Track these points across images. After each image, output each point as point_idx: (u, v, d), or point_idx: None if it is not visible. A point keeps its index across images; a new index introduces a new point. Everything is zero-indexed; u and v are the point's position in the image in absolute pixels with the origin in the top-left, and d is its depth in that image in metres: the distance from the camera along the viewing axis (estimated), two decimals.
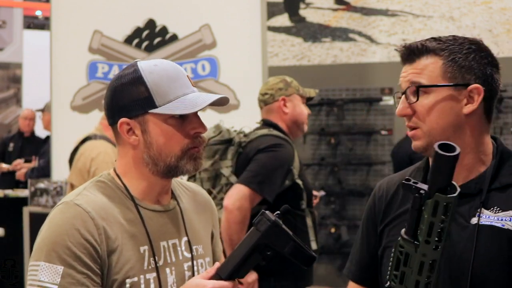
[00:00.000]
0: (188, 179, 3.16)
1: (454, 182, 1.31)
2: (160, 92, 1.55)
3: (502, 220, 1.52)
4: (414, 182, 1.33)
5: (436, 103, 1.56)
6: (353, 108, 6.67)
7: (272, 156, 3.12)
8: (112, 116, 1.60)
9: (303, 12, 7.10)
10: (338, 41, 6.95)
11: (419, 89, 1.56)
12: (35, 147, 7.43)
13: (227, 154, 3.17)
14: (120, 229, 1.53)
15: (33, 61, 10.36)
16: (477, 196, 1.56)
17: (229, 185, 3.13)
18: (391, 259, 1.38)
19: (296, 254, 1.49)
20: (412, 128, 1.59)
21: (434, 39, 1.61)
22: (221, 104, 1.63)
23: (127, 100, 1.56)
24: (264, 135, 3.21)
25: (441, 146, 1.30)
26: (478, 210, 1.54)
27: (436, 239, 1.31)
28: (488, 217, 1.53)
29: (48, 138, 7.61)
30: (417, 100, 1.56)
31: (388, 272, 1.39)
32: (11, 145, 7.88)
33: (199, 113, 1.63)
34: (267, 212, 1.50)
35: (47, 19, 9.47)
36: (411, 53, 1.60)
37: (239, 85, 5.27)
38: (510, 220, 1.52)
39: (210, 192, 3.11)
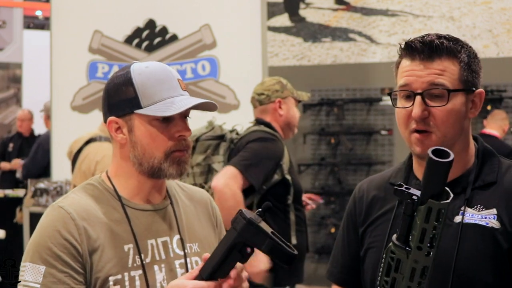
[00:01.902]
0: None
1: (447, 188, 1.30)
2: (146, 93, 1.58)
3: (485, 218, 1.53)
4: (406, 188, 1.31)
5: (454, 108, 1.54)
6: (353, 108, 6.67)
7: (262, 145, 3.19)
8: (105, 114, 1.65)
9: (303, 12, 7.11)
10: (338, 41, 6.95)
11: (450, 93, 1.53)
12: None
13: (219, 149, 3.24)
14: (103, 229, 1.57)
15: (33, 61, 10.36)
16: (461, 195, 1.56)
17: None
18: (382, 264, 1.37)
19: (274, 252, 1.47)
20: (422, 131, 1.55)
21: (446, 38, 1.57)
22: (208, 109, 1.65)
23: (116, 99, 1.61)
24: (255, 130, 3.29)
25: (434, 152, 1.28)
26: (462, 208, 1.54)
27: (428, 245, 1.30)
28: (472, 216, 1.53)
29: (37, 137, 7.64)
30: (447, 103, 1.53)
31: (379, 278, 1.38)
32: (11, 145, 7.89)
33: (193, 115, 1.65)
34: (244, 210, 1.49)
35: (47, 19, 9.48)
36: (433, 50, 1.54)
37: (239, 85, 5.27)
38: (493, 218, 1.52)
39: (202, 187, 3.17)
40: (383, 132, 6.47)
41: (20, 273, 1.55)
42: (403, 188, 1.31)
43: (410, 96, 1.55)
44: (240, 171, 3.10)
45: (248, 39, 5.33)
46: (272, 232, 1.47)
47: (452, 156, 1.27)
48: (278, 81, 3.40)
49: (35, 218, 5.85)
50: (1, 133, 9.99)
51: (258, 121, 3.37)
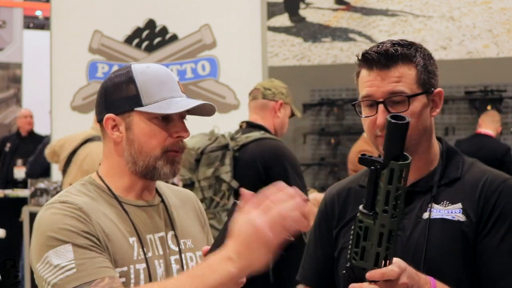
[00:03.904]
0: (186, 187, 3.15)
1: (405, 153, 1.36)
2: (148, 92, 1.59)
3: (452, 212, 1.60)
4: (369, 156, 1.37)
5: (416, 110, 1.61)
6: (353, 108, 6.67)
7: (290, 158, 3.23)
8: (100, 113, 1.64)
9: (303, 12, 7.11)
10: (338, 41, 6.95)
11: (410, 98, 1.59)
12: (32, 146, 7.40)
13: (225, 159, 3.19)
14: (107, 221, 1.55)
15: (33, 61, 10.36)
16: (428, 193, 1.64)
17: (231, 190, 3.15)
18: (351, 237, 1.40)
19: None
20: None
21: (400, 44, 1.64)
22: (207, 114, 1.66)
23: (115, 97, 1.61)
24: (263, 138, 3.24)
25: (392, 117, 1.35)
26: (429, 205, 1.62)
27: (393, 208, 1.35)
28: (439, 211, 1.61)
29: (36, 136, 7.66)
30: (408, 109, 1.59)
31: (349, 252, 1.41)
32: (8, 145, 7.87)
33: (191, 116, 1.65)
34: (238, 201, 1.48)
35: (47, 19, 9.48)
36: (388, 59, 1.61)
37: (239, 85, 5.26)
38: (459, 212, 1.60)
39: (212, 200, 3.13)
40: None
41: (43, 268, 1.46)
42: (366, 157, 1.37)
43: (373, 105, 1.62)
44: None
45: (248, 39, 5.33)
46: None
47: (408, 119, 1.34)
48: (285, 87, 3.43)
49: (35, 218, 5.85)
50: (1, 133, 9.98)
51: (250, 124, 3.35)
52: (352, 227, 1.40)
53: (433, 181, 1.64)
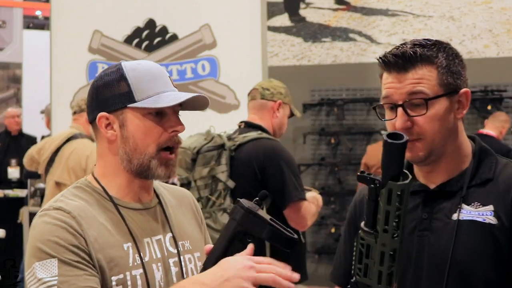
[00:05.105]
0: (182, 187, 3.17)
1: (405, 171, 1.34)
2: (140, 88, 1.57)
3: (483, 215, 1.56)
4: (368, 174, 1.36)
5: (437, 113, 1.56)
6: (353, 108, 6.67)
7: (286, 158, 3.24)
8: (92, 112, 1.62)
9: (303, 12, 7.10)
10: (338, 41, 6.95)
11: (428, 101, 1.55)
12: (23, 145, 7.34)
13: (221, 159, 3.20)
14: (100, 229, 1.53)
15: (33, 61, 10.35)
16: (458, 193, 1.60)
17: (227, 189, 3.16)
18: (354, 253, 1.39)
19: (274, 238, 1.47)
20: (412, 140, 1.57)
21: (421, 45, 1.59)
22: (200, 107, 1.65)
23: (107, 95, 1.59)
24: (259, 138, 3.26)
25: (389, 136, 1.33)
26: (459, 206, 1.58)
27: (394, 228, 1.33)
28: (469, 213, 1.57)
29: (34, 137, 7.62)
30: (426, 112, 1.55)
31: (353, 268, 1.40)
32: None
33: (192, 113, 1.64)
34: (241, 200, 1.49)
35: (47, 19, 9.47)
36: (406, 61, 1.57)
37: (239, 85, 5.26)
38: (490, 215, 1.56)
39: (208, 199, 3.15)
40: (383, 132, 6.46)
41: (30, 278, 1.47)
42: (365, 175, 1.35)
43: (394, 108, 1.59)
44: (303, 199, 3.21)
45: (248, 39, 5.33)
46: (270, 219, 1.48)
47: (405, 138, 1.32)
48: (284, 87, 3.44)
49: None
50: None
51: (249, 124, 3.36)
52: (355, 243, 1.39)
53: (463, 182, 1.61)
